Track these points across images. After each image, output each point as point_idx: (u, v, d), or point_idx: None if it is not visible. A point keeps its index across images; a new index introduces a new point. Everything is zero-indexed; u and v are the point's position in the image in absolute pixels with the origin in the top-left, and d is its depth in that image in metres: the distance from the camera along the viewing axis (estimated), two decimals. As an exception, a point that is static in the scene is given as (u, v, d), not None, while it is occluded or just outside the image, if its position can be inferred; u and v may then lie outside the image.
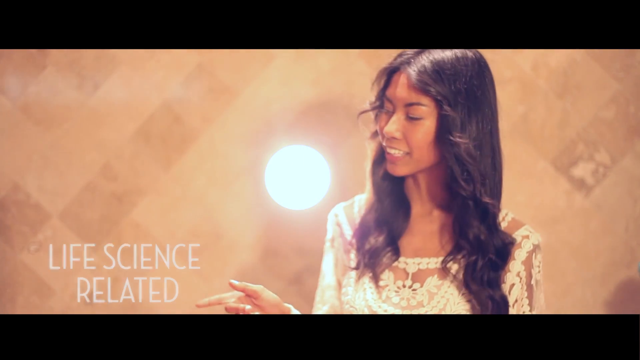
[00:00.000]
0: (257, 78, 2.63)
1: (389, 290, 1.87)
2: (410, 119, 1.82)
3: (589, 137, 2.66)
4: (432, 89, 1.80)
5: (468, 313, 1.84)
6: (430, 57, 1.82)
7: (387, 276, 1.88)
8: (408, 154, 1.83)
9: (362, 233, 1.93)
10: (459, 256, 1.87)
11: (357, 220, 1.96)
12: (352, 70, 2.61)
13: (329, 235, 2.02)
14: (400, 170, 1.85)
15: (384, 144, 1.86)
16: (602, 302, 2.67)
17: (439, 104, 1.81)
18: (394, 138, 1.83)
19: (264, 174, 2.57)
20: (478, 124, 1.83)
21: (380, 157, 1.91)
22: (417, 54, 1.84)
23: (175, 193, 2.64)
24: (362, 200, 1.99)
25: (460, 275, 1.85)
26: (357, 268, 1.91)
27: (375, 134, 1.91)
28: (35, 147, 2.61)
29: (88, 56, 2.60)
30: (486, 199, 1.83)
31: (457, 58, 1.83)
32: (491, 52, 2.61)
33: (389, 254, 1.88)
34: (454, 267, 1.87)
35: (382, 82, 1.87)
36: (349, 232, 1.97)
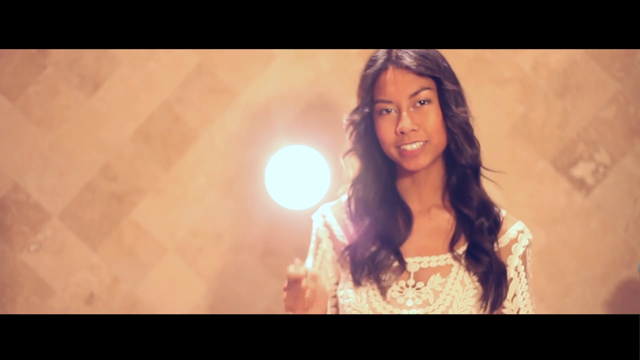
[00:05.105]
0: (257, 78, 2.63)
1: (392, 291, 1.86)
2: (417, 107, 1.83)
3: (589, 137, 2.65)
4: (431, 69, 1.83)
5: (474, 308, 1.84)
6: (409, 51, 1.85)
7: (388, 277, 1.87)
8: (427, 141, 1.84)
9: (357, 244, 1.91)
10: (463, 236, 1.88)
11: (347, 221, 1.94)
12: (352, 70, 2.61)
13: (314, 237, 2.00)
14: (423, 160, 1.85)
15: (394, 147, 1.85)
16: (602, 302, 2.67)
17: (438, 82, 1.84)
18: (412, 131, 1.83)
19: (264, 174, 2.57)
20: (461, 92, 1.88)
21: (367, 169, 1.92)
22: (389, 52, 1.86)
23: (175, 193, 2.64)
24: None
25: (467, 257, 1.86)
26: (358, 282, 1.88)
27: (360, 144, 1.92)
28: (35, 147, 2.61)
29: (88, 56, 2.60)
30: (480, 162, 1.89)
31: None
32: (491, 52, 2.63)
33: (392, 258, 1.87)
34: (460, 250, 1.88)
35: (369, 88, 1.86)
36: (340, 233, 1.95)
